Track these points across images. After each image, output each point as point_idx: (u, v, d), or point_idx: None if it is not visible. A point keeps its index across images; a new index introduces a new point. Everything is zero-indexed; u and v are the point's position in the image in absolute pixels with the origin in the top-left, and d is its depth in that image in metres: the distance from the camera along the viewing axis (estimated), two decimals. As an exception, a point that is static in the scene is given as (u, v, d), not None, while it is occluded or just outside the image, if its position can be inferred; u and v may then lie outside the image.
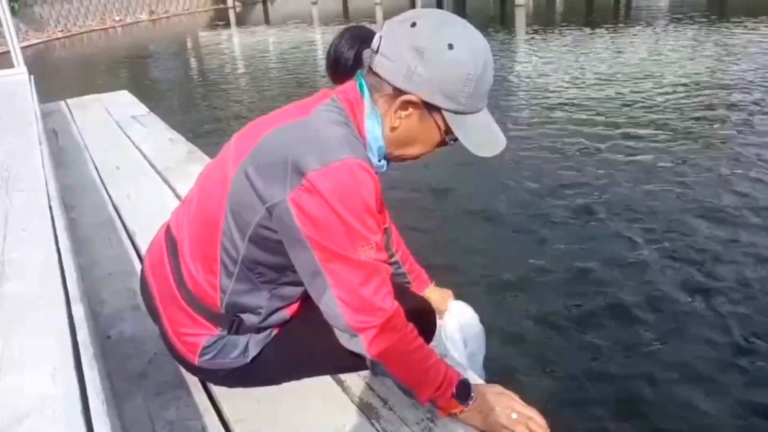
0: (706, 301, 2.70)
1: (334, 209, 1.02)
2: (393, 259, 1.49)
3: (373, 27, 1.18)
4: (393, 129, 1.13)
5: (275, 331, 1.28)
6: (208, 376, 1.34)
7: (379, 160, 1.16)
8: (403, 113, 1.11)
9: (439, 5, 20.11)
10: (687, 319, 2.59)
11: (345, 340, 1.15)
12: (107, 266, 1.98)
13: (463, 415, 1.18)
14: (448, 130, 1.12)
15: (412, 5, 19.87)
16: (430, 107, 1.10)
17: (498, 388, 1.23)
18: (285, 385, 1.34)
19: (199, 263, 1.20)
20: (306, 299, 1.22)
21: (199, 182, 1.27)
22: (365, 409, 1.27)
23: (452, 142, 1.14)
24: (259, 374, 1.30)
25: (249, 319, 1.22)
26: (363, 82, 1.14)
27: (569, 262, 3.10)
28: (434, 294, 1.58)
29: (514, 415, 1.17)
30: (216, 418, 1.28)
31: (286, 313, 1.26)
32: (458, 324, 1.54)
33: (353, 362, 1.23)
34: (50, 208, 1.87)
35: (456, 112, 1.10)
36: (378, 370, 1.17)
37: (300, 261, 1.10)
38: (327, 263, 1.06)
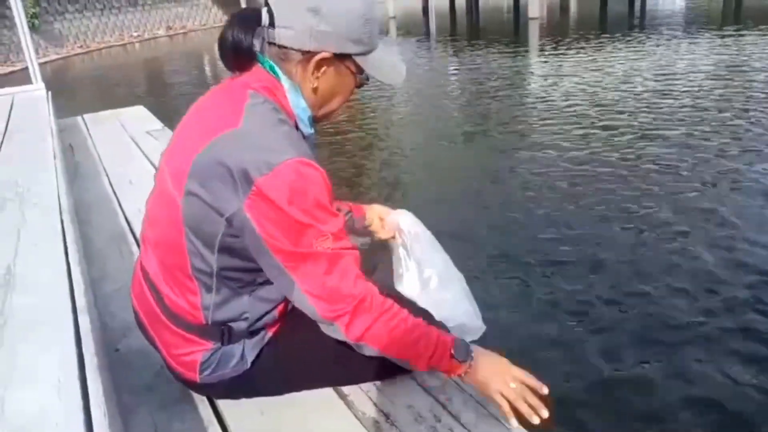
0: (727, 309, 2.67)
1: (285, 211, 1.05)
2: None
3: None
4: (314, 90, 1.18)
5: (269, 333, 1.29)
6: (213, 391, 1.35)
7: (311, 128, 1.21)
8: (319, 72, 1.16)
9: (452, 11, 20.19)
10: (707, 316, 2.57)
11: (325, 329, 1.17)
12: (118, 279, 2.00)
13: (468, 377, 1.21)
14: (360, 71, 1.19)
15: (425, 7, 20.03)
16: (341, 57, 1.15)
17: (495, 356, 1.25)
18: (288, 397, 1.34)
19: (175, 286, 1.22)
20: None
21: (148, 212, 1.29)
22: (368, 424, 1.27)
23: (366, 81, 1.22)
24: (260, 382, 1.31)
25: (238, 326, 1.24)
26: (270, 62, 1.16)
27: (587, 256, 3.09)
28: (371, 212, 1.61)
29: (512, 384, 1.18)
30: (220, 430, 1.29)
31: (276, 313, 1.27)
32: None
33: (352, 371, 1.24)
34: (62, 222, 1.90)
35: (364, 54, 1.16)
36: (367, 352, 1.18)
37: (264, 263, 1.13)
38: (288, 263, 1.10)
